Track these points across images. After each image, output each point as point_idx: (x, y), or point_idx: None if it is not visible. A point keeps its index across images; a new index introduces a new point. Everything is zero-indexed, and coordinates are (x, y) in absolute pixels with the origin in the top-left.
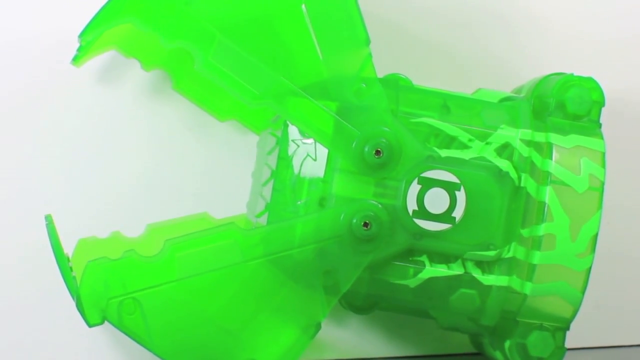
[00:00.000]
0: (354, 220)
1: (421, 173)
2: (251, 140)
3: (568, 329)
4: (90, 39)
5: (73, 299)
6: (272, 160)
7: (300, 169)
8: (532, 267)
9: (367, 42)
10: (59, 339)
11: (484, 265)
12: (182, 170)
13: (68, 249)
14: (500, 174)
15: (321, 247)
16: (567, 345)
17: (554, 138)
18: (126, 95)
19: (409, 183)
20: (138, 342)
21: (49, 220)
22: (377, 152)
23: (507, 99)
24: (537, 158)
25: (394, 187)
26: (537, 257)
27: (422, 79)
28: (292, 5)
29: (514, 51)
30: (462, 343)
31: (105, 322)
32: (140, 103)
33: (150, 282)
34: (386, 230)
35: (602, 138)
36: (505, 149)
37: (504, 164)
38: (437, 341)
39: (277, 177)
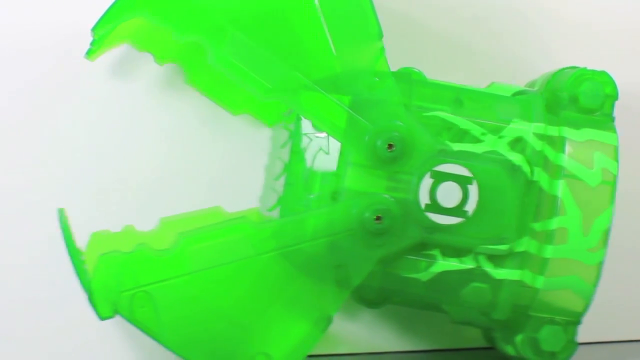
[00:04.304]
0: (366, 214)
1: (433, 167)
2: (264, 134)
3: (580, 323)
4: (103, 33)
5: (85, 292)
6: (285, 154)
7: (312, 163)
8: (544, 261)
9: (380, 35)
10: (71, 331)
11: (496, 259)
12: (195, 164)
13: (81, 242)
14: (513, 168)
15: (333, 240)
16: (579, 339)
17: (567, 132)
18: (139, 89)
19: (421, 177)
20: (149, 336)
21: (61, 214)
22: (390, 146)
23: (520, 92)
24: (549, 152)
25: (406, 180)
26: (549, 251)
27: (435, 73)
28: None
29: (527, 45)
30: (474, 337)
31: (117, 315)
32: (153, 97)
33: (162, 275)
34: (398, 224)
35: (615, 132)
36: (518, 143)
37: (516, 158)
38: (449, 335)
39: (290, 171)
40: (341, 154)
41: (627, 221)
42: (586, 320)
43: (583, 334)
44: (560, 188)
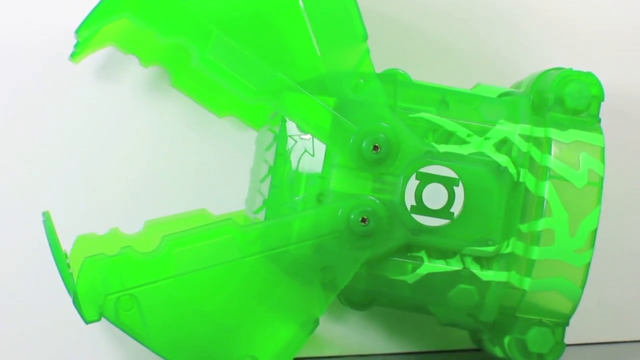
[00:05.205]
0: (352, 216)
1: (419, 168)
2: (250, 137)
3: (567, 324)
4: (87, 35)
5: (70, 295)
6: (270, 157)
7: (298, 165)
8: (531, 263)
9: (365, 37)
10: (57, 335)
11: (483, 261)
12: (181, 166)
13: (67, 245)
14: (499, 169)
15: (319, 243)
16: (567, 341)
17: (553, 133)
18: (125, 91)
19: (407, 178)
20: (135, 339)
21: (46, 217)
22: (375, 148)
23: (506, 94)
24: (536, 153)
25: (392, 182)
26: (536, 253)
27: (421, 74)
28: (289, 1)
29: (513, 46)
30: (462, 339)
31: (103, 319)
32: (139, 99)
33: (148, 278)
34: (384, 226)
35: (601, 133)
36: (504, 144)
37: (502, 159)
38: (437, 337)
39: (275, 173)
40: (326, 155)
41: (615, 222)
42: (574, 321)
43: (571, 335)
44: (547, 189)
